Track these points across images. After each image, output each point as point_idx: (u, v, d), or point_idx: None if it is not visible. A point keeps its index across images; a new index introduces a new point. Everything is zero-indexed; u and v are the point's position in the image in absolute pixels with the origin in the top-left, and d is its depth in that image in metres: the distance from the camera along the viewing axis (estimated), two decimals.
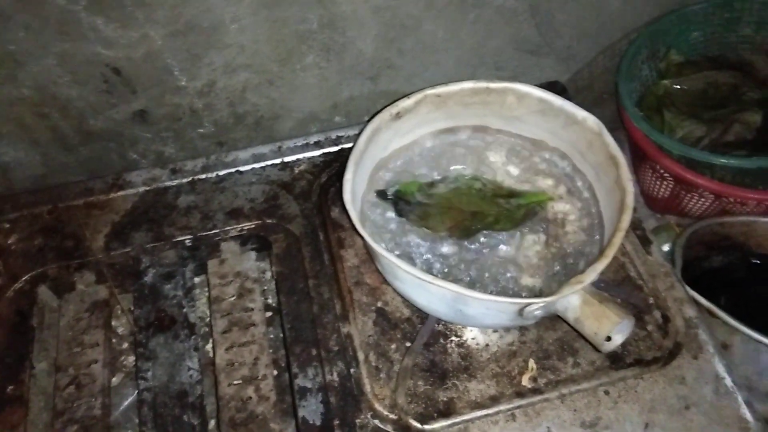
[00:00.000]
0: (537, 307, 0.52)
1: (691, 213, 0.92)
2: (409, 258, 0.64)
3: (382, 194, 0.67)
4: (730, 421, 0.60)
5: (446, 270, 0.64)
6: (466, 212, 0.66)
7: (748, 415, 0.60)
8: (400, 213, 0.66)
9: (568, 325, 0.55)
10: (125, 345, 0.79)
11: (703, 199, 0.87)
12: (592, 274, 0.52)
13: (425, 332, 0.64)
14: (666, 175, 0.87)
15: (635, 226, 0.74)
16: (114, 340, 0.77)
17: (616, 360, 0.64)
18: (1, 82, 0.72)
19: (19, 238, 0.75)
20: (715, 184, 0.83)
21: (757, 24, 0.90)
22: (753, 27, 0.91)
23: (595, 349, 0.54)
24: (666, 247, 0.88)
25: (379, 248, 0.55)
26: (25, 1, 0.65)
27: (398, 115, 0.66)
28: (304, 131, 0.89)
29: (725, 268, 0.88)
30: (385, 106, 0.67)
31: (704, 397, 0.62)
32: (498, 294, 0.62)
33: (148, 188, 0.80)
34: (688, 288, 0.69)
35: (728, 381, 0.62)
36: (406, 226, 0.67)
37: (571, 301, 0.53)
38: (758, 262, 0.86)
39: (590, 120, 0.63)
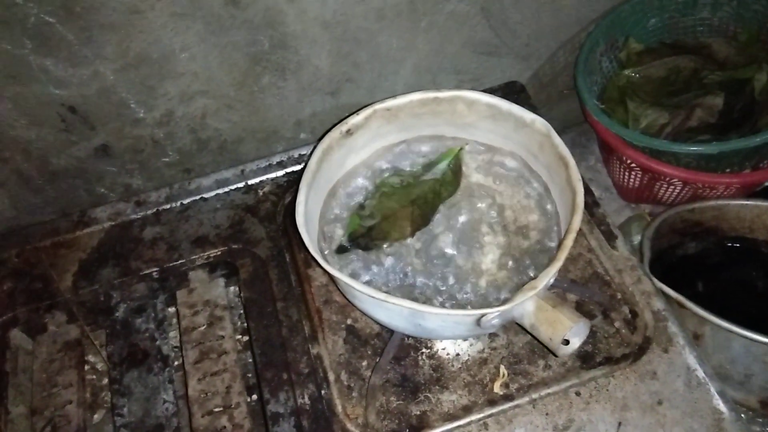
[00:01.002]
0: (493, 316, 0.52)
1: (664, 200, 0.91)
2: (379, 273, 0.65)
3: (341, 249, 0.66)
4: (703, 413, 0.60)
5: (415, 277, 0.64)
6: (407, 205, 0.66)
7: (722, 406, 0.60)
8: (366, 248, 0.65)
9: (526, 331, 0.55)
10: (105, 381, 0.79)
11: (672, 187, 0.86)
12: (545, 279, 0.52)
13: (391, 348, 0.64)
14: (633, 165, 0.87)
15: (600, 221, 0.73)
16: (93, 377, 0.78)
17: (586, 359, 0.64)
18: None
19: None
20: (682, 171, 0.82)
21: (712, 6, 0.90)
22: (709, 9, 0.90)
23: (554, 354, 0.54)
24: (639, 238, 0.87)
25: (332, 269, 0.55)
26: None
27: (349, 132, 0.66)
28: (269, 150, 0.89)
29: (700, 254, 0.87)
30: (335, 125, 0.67)
31: (676, 390, 0.61)
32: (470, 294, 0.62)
33: (113, 223, 0.80)
34: (655, 280, 0.68)
35: (700, 372, 0.62)
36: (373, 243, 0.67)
37: (526, 307, 0.53)
38: (732, 245, 0.86)
39: (538, 122, 0.63)
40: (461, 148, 0.70)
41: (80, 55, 0.70)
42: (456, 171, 0.69)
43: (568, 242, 0.54)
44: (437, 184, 0.68)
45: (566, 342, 0.52)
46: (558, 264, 0.53)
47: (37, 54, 0.68)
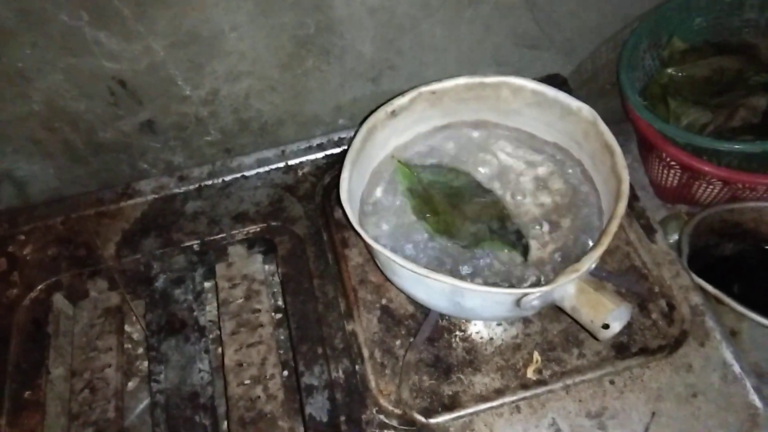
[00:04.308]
0: (534, 297, 0.52)
1: (701, 201, 0.91)
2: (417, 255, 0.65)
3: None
4: (738, 407, 0.60)
5: (453, 265, 0.64)
6: (462, 208, 0.67)
7: (757, 401, 0.60)
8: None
9: (566, 314, 0.55)
10: (140, 350, 0.81)
11: (711, 187, 0.86)
12: (588, 262, 0.52)
13: (427, 327, 0.65)
14: (673, 163, 0.86)
15: (639, 215, 0.73)
16: (129, 346, 0.79)
17: (622, 349, 0.64)
18: (12, 98, 0.74)
19: (34, 248, 0.78)
20: (723, 170, 0.82)
21: (760, 7, 0.89)
22: (756, 10, 0.89)
23: (595, 338, 0.54)
24: (676, 237, 0.87)
25: (375, 244, 0.56)
26: (30, 20, 0.67)
27: (394, 113, 0.67)
28: (308, 134, 0.90)
29: (737, 256, 0.86)
30: (380, 105, 0.67)
31: (712, 384, 0.61)
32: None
33: (156, 196, 0.81)
34: (694, 275, 0.68)
35: (736, 368, 0.62)
36: (412, 223, 0.67)
37: (567, 289, 0.53)
38: None
39: (585, 109, 0.63)
40: (398, 162, 0.70)
41: (133, 30, 0.71)
42: (430, 168, 0.70)
43: (612, 228, 0.54)
44: (439, 185, 0.69)
45: (606, 326, 0.52)
46: (602, 248, 0.53)
47: (92, 27, 0.70)
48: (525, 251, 0.63)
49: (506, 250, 0.63)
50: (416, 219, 0.66)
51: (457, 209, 0.66)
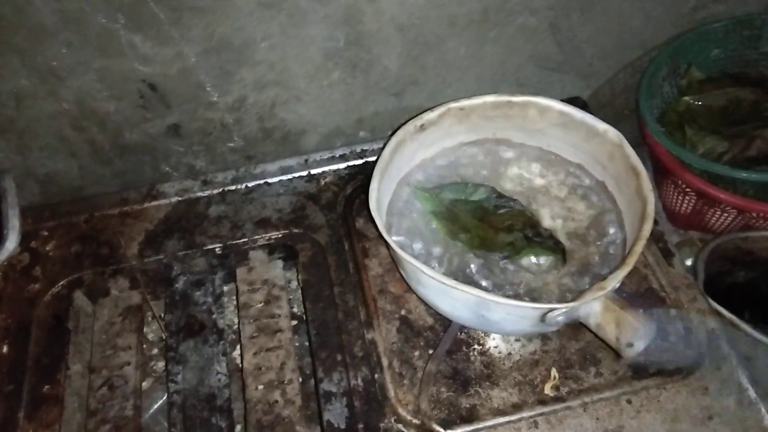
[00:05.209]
0: (559, 312, 0.53)
1: (714, 228, 0.92)
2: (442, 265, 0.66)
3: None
4: (753, 431, 0.60)
5: (474, 277, 0.65)
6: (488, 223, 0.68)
7: None
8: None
9: (590, 331, 0.56)
10: (155, 351, 0.81)
11: (725, 215, 0.87)
12: (614, 281, 0.53)
13: (448, 339, 0.65)
14: (688, 190, 0.88)
15: (657, 238, 0.74)
16: (144, 346, 0.80)
17: (639, 370, 0.65)
18: (43, 96, 0.75)
19: (56, 245, 0.79)
20: (738, 198, 0.83)
21: None
22: None
23: (618, 355, 0.55)
24: (689, 262, 0.88)
25: (403, 253, 0.57)
26: (68, 20, 0.68)
27: (422, 128, 0.68)
28: (329, 145, 0.92)
29: (749, 284, 0.88)
30: (410, 119, 0.69)
31: (727, 407, 0.62)
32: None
33: (180, 198, 0.82)
34: (710, 300, 0.69)
35: (751, 392, 0.63)
36: (435, 236, 0.68)
37: (593, 307, 0.54)
38: None
39: (611, 132, 0.64)
40: (416, 188, 0.71)
41: (168, 35, 0.72)
42: (448, 187, 0.71)
43: (638, 248, 0.55)
44: (461, 202, 0.69)
45: (630, 345, 0.53)
46: (627, 268, 0.54)
47: (127, 30, 0.71)
48: (563, 255, 0.65)
49: (549, 256, 0.64)
50: (450, 239, 0.67)
51: (485, 222, 0.67)
